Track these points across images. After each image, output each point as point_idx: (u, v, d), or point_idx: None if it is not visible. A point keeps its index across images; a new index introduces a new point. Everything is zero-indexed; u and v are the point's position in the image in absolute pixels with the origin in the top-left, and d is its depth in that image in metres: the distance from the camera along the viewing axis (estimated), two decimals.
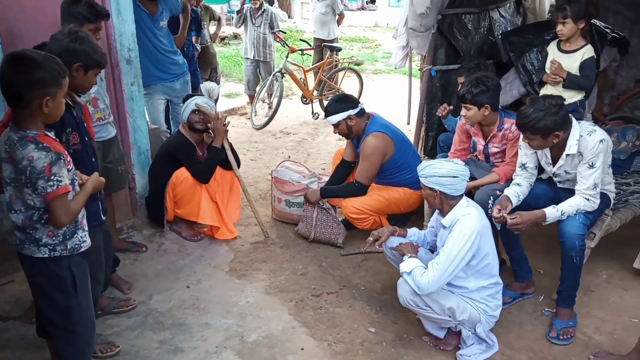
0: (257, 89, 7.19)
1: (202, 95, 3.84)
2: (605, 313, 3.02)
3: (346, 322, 2.93)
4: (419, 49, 4.64)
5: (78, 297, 2.08)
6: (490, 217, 2.77)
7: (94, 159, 2.42)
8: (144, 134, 3.87)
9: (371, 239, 2.88)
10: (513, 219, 2.71)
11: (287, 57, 6.99)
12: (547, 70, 3.69)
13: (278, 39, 7.20)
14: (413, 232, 2.95)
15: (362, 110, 3.70)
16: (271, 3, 9.65)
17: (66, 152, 1.96)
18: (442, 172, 2.54)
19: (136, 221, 3.96)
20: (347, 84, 7.98)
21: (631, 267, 3.31)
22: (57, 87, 1.88)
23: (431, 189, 2.57)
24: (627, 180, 3.66)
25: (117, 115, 3.68)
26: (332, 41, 7.99)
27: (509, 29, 4.83)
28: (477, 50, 4.64)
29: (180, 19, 4.53)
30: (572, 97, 3.61)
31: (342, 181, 3.89)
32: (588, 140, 2.72)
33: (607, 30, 4.39)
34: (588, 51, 3.58)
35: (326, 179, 4.02)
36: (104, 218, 2.49)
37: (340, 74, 7.73)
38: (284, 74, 6.92)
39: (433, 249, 2.89)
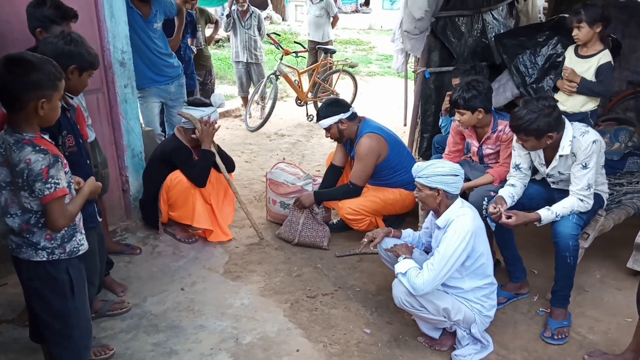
0: (251, 91, 7.19)
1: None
2: (600, 313, 3.04)
3: (341, 323, 2.93)
4: (413, 51, 4.66)
5: (75, 301, 2.06)
6: (484, 218, 2.78)
7: (88, 162, 2.42)
8: (138, 136, 3.86)
9: (366, 240, 2.88)
10: (509, 217, 2.73)
11: (281, 59, 7.00)
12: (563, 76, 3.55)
13: (272, 41, 7.20)
14: (408, 233, 2.96)
15: (354, 114, 3.74)
16: (265, 6, 9.66)
17: (63, 155, 1.95)
18: (445, 171, 2.55)
19: (130, 223, 3.93)
20: (342, 86, 8.00)
21: (625, 267, 3.32)
22: (53, 90, 1.87)
23: (432, 188, 2.57)
24: (620, 181, 3.68)
25: (110, 118, 3.66)
26: (326, 43, 8.01)
27: (502, 31, 4.86)
28: (470, 52, 4.67)
29: (175, 21, 4.52)
30: (584, 104, 3.51)
31: (332, 186, 3.89)
32: (581, 141, 2.74)
33: None
34: (604, 56, 3.42)
35: (320, 180, 4.02)
36: (100, 220, 2.48)
37: (335, 76, 7.76)
38: (278, 76, 6.93)
39: (428, 250, 2.90)
